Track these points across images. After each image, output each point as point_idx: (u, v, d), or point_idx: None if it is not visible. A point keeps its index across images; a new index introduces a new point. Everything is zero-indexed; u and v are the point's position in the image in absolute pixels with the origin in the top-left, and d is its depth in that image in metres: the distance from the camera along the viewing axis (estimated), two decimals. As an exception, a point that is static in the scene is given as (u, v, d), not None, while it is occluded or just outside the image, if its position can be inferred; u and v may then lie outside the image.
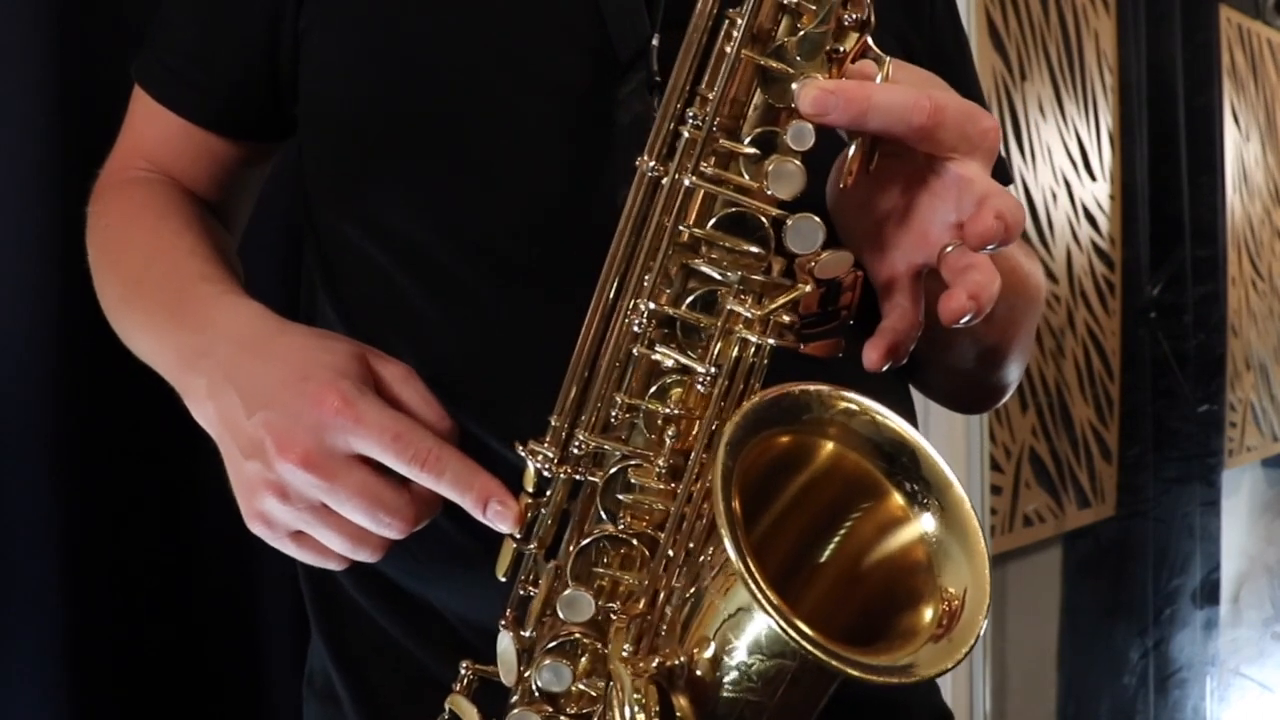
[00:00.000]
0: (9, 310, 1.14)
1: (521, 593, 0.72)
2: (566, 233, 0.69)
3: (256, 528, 0.75)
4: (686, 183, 0.67)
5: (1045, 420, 2.41)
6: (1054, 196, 2.43)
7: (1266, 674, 3.40)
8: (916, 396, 0.93)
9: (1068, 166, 2.48)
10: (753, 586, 0.60)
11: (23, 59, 1.13)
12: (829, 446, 0.69)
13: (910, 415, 0.89)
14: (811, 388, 0.68)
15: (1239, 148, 3.17)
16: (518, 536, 0.72)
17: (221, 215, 0.95)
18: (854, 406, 0.68)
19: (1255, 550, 3.48)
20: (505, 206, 0.79)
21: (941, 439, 2.02)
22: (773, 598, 0.61)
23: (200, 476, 1.22)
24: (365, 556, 0.74)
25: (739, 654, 0.65)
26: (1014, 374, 0.92)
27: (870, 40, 0.66)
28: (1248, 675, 3.34)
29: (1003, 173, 0.98)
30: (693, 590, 0.67)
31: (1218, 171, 3.01)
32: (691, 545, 0.68)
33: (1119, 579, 2.68)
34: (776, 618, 0.60)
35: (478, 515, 0.71)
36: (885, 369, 0.69)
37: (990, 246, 0.65)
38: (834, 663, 0.61)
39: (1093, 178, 2.56)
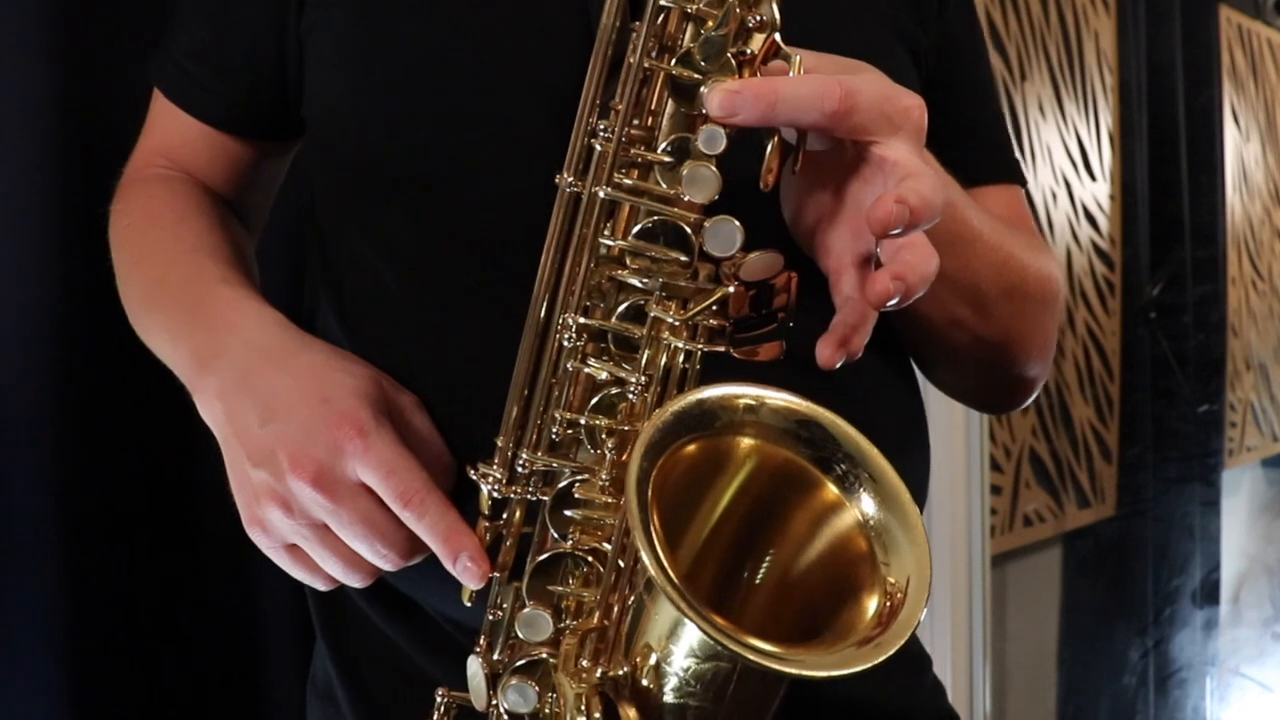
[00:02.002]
0: (9, 310, 1.14)
1: (491, 617, 0.73)
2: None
3: (254, 533, 0.76)
4: (602, 195, 0.67)
5: (1045, 420, 2.41)
6: (1054, 196, 2.43)
7: (1266, 674, 3.40)
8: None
9: (1068, 166, 2.48)
10: (666, 586, 0.59)
11: (23, 59, 1.13)
12: (749, 443, 0.68)
13: (921, 428, 0.89)
14: (713, 394, 0.66)
15: (1239, 148, 3.17)
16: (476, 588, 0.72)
17: (241, 211, 0.96)
18: (751, 400, 0.67)
19: (1255, 550, 3.48)
20: (499, 212, 0.79)
21: (941, 439, 2.02)
22: (686, 593, 0.60)
23: (201, 477, 1.22)
24: (354, 582, 0.75)
25: (677, 659, 0.65)
26: (1034, 370, 0.91)
27: (779, 39, 0.65)
28: (1248, 675, 3.34)
29: (1012, 173, 0.97)
30: (633, 600, 0.67)
31: (1218, 171, 3.01)
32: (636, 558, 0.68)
33: (1119, 579, 2.68)
34: (693, 615, 0.59)
35: (447, 565, 0.72)
36: (839, 365, 0.68)
37: (895, 231, 0.63)
38: (752, 657, 0.59)
39: (1093, 178, 2.56)
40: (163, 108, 0.94)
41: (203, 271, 0.84)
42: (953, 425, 2.05)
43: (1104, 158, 2.60)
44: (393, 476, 0.71)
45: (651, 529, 0.61)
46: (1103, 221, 2.59)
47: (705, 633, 0.60)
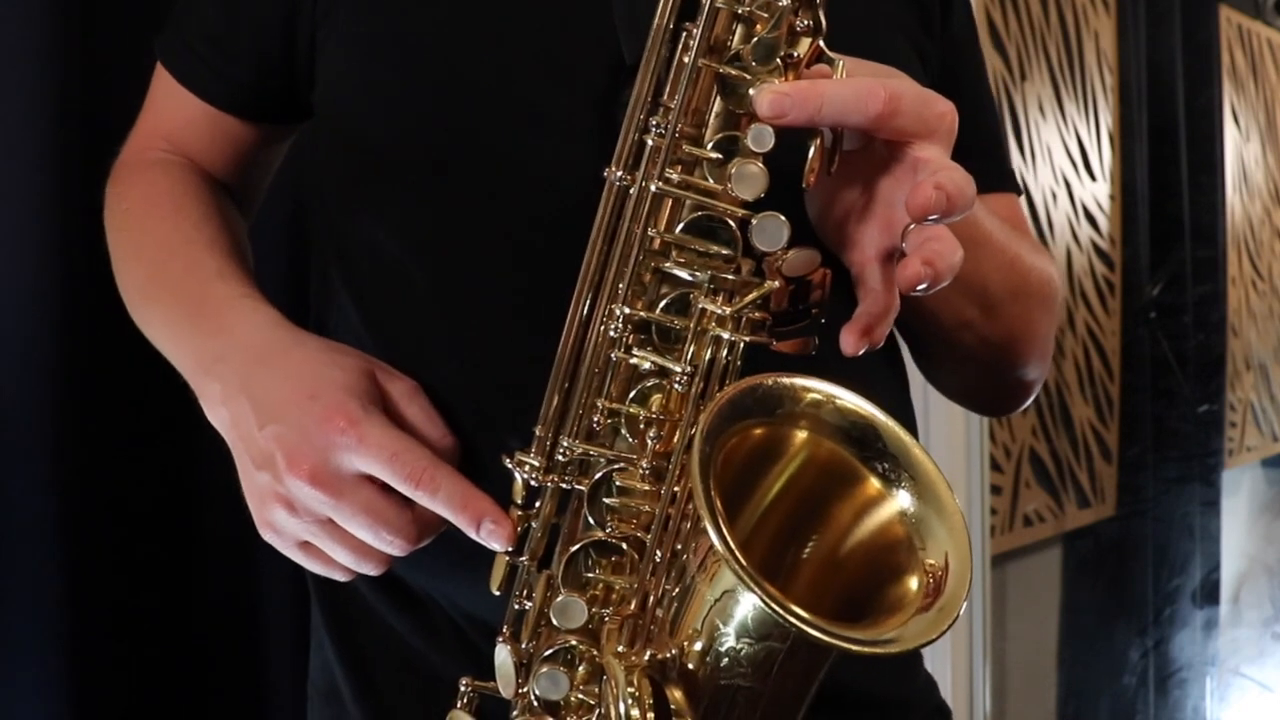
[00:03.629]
0: (9, 310, 1.14)
1: (516, 606, 0.73)
2: (583, 230, 0.70)
3: (267, 535, 0.77)
4: (653, 189, 0.68)
5: (1045, 420, 2.41)
6: (1054, 196, 2.43)
7: (1266, 674, 3.40)
8: (915, 399, 0.93)
9: (1068, 166, 2.48)
10: (735, 565, 0.61)
11: (23, 59, 1.13)
12: (803, 436, 0.70)
13: (909, 416, 0.90)
14: (783, 379, 0.69)
15: (1239, 148, 3.17)
16: (509, 550, 0.73)
17: (238, 195, 0.96)
18: (819, 396, 0.69)
19: (1255, 550, 3.48)
20: (524, 203, 0.79)
21: (941, 439, 2.02)
22: (754, 573, 0.62)
23: (201, 477, 1.22)
24: (369, 570, 0.76)
25: (729, 641, 0.66)
26: (1033, 372, 0.93)
27: (823, 44, 0.68)
28: (1248, 675, 3.34)
29: (1012, 182, 0.98)
30: (680, 586, 0.68)
31: (1218, 171, 3.01)
32: (678, 545, 0.69)
33: (1119, 579, 2.68)
34: (758, 590, 0.61)
35: (471, 534, 0.73)
36: (862, 352, 0.71)
37: (932, 217, 0.65)
38: (816, 634, 0.61)
39: (1093, 178, 2.56)
40: (167, 86, 0.93)
41: (200, 265, 0.84)
42: (953, 425, 2.05)
43: (1104, 158, 2.60)
44: (396, 460, 0.72)
45: (719, 516, 0.63)
46: (1103, 221, 2.59)
47: (794, 627, 0.61)
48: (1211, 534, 3.03)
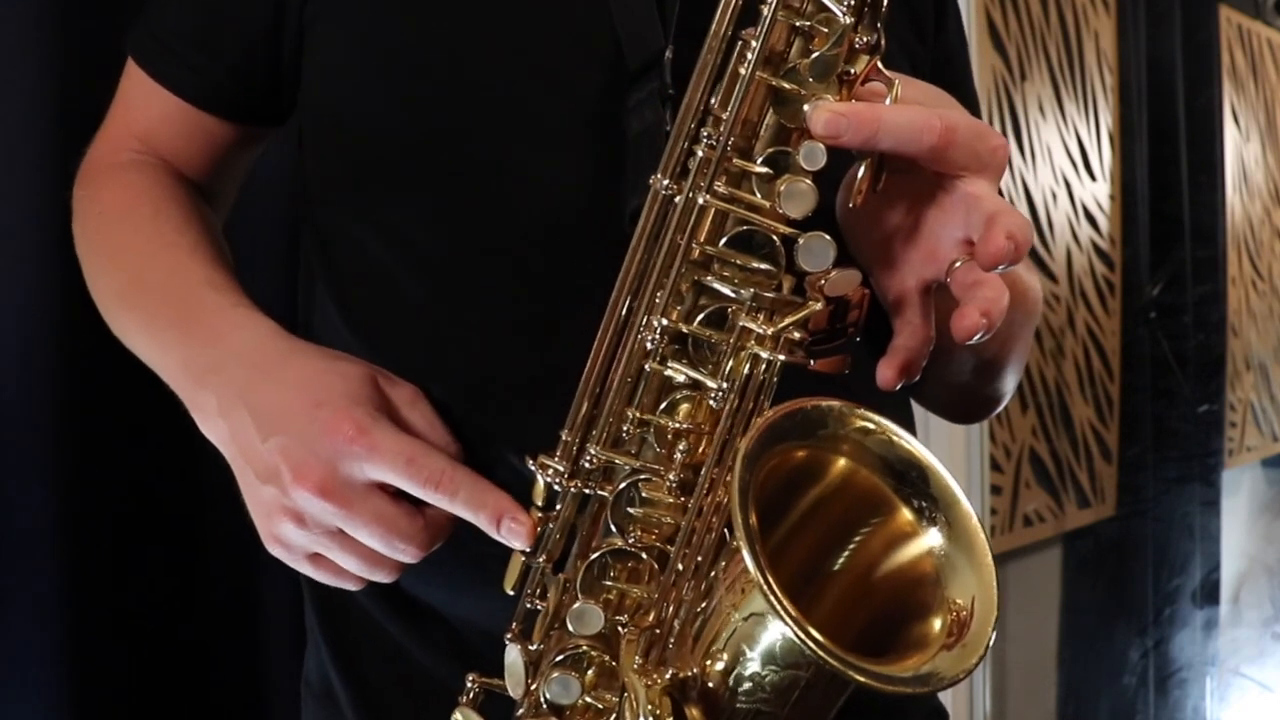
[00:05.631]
0: (9, 310, 1.14)
1: (529, 605, 0.73)
2: (578, 240, 0.70)
3: (275, 549, 0.75)
4: (700, 201, 0.67)
5: (1045, 420, 2.41)
6: (1054, 196, 2.42)
7: (1266, 674, 3.40)
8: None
9: (1068, 166, 2.48)
10: (772, 599, 0.61)
11: (23, 59, 1.13)
12: (841, 462, 0.69)
13: (909, 422, 0.90)
14: (826, 403, 0.68)
15: (1239, 148, 3.17)
16: (526, 550, 0.72)
17: (211, 196, 0.94)
18: (870, 425, 0.68)
19: (1255, 550, 3.48)
20: (519, 212, 0.78)
21: (942, 440, 2.02)
22: (791, 609, 0.61)
23: (201, 477, 1.22)
24: (381, 578, 0.75)
25: (752, 665, 0.65)
26: (1009, 385, 0.93)
27: (880, 63, 0.67)
28: (1248, 675, 3.34)
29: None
30: (704, 603, 0.68)
31: (1218, 171, 3.01)
32: (701, 559, 0.69)
33: (1119, 579, 2.68)
34: (796, 629, 0.61)
35: (491, 533, 0.72)
36: (899, 387, 0.70)
37: (1001, 266, 0.65)
38: (852, 673, 0.61)
39: (1093, 178, 2.56)
40: (139, 83, 0.90)
41: (185, 271, 0.83)
42: (953, 425, 2.04)
43: (1104, 158, 2.60)
44: (413, 465, 0.71)
45: (756, 544, 0.62)
46: (1103, 221, 2.59)
47: (832, 666, 0.61)
48: (1211, 534, 3.03)
